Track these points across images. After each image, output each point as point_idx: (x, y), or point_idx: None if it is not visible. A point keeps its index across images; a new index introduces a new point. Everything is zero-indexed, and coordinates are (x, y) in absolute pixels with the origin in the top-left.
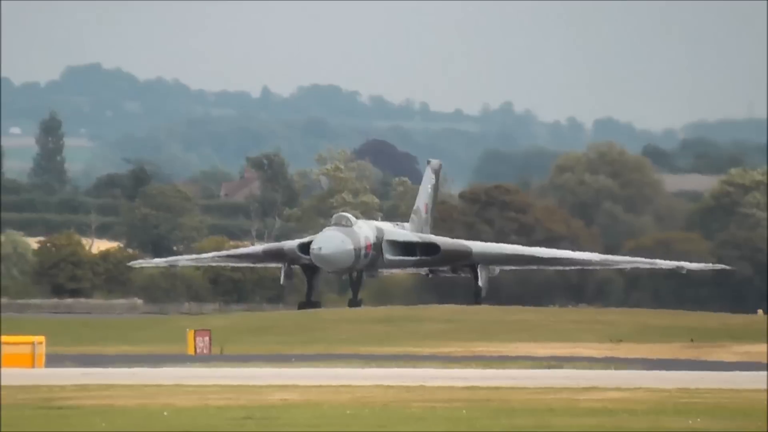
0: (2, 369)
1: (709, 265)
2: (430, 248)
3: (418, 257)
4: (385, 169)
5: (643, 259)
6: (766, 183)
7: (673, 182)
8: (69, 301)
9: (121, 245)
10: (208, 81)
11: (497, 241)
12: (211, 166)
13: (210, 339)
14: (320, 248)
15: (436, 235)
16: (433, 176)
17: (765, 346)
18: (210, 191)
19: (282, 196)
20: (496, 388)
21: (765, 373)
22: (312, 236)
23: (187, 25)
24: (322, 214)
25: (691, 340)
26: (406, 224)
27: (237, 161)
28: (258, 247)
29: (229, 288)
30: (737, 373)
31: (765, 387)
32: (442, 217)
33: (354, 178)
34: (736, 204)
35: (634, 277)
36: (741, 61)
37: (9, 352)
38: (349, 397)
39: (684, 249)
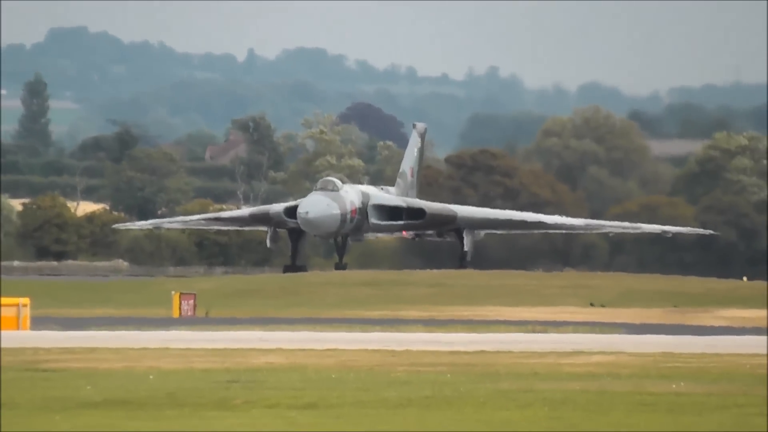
0: None
1: (694, 230)
2: (415, 212)
3: (403, 221)
4: (370, 132)
5: (627, 224)
6: (767, 149)
7: (659, 147)
8: (54, 263)
9: (107, 208)
10: (194, 44)
11: (482, 206)
12: (197, 129)
13: (195, 302)
14: (307, 212)
15: (422, 199)
16: (419, 140)
17: (748, 311)
18: (195, 154)
19: (268, 160)
20: (481, 353)
21: (749, 337)
22: (298, 200)
23: None
24: (308, 178)
25: (675, 306)
26: (391, 188)
27: (222, 124)
28: (244, 211)
29: (214, 251)
30: (720, 337)
31: (749, 352)
32: (427, 182)
33: (339, 142)
34: (721, 169)
35: (618, 242)
36: (727, 25)
37: None
38: (334, 361)
39: (669, 214)
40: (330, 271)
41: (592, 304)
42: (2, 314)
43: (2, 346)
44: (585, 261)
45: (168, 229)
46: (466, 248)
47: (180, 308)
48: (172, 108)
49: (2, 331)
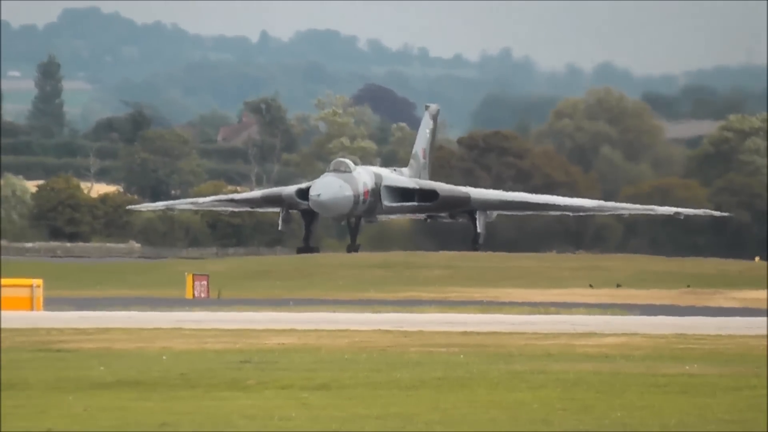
0: (1, 311)
1: (707, 212)
2: (428, 194)
3: (416, 203)
4: (383, 114)
5: (641, 206)
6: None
7: (672, 129)
8: (67, 244)
9: (120, 189)
10: (207, 26)
11: (495, 187)
12: (210, 110)
13: (208, 283)
14: (319, 194)
15: (435, 180)
16: (431, 121)
17: (762, 292)
18: (208, 135)
19: (281, 141)
20: (494, 334)
21: (762, 319)
22: (310, 182)
23: None
24: (321, 159)
25: (688, 286)
26: (404, 170)
27: (235, 106)
28: (256, 192)
29: (227, 232)
30: (734, 319)
31: (762, 333)
32: (440, 163)
33: (352, 124)
34: (734, 150)
35: (632, 224)
36: (740, 7)
37: (8, 294)
38: (347, 342)
39: (682, 196)
40: (343, 252)
41: (591, 286)
42: (16, 295)
43: (16, 326)
44: (598, 243)
45: (181, 210)
46: (479, 230)
47: (193, 289)
48: (185, 89)
49: (16, 312)
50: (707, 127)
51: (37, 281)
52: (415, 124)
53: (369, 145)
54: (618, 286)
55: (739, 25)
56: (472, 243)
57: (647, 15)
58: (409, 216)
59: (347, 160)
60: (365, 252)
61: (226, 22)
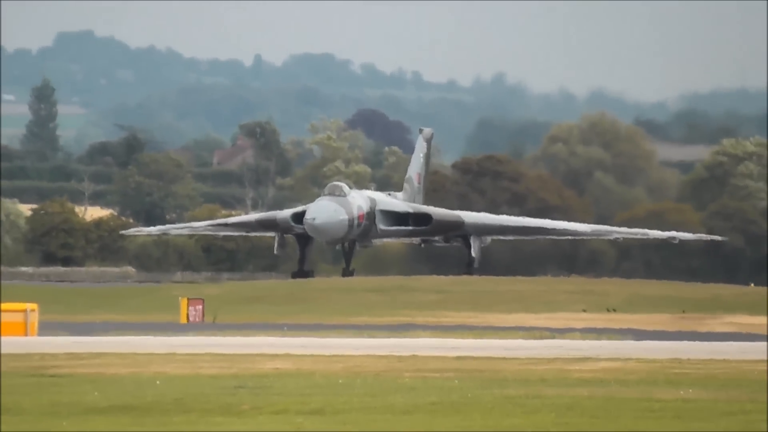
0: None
1: (701, 236)
2: (422, 218)
3: (410, 227)
4: (377, 138)
5: (634, 230)
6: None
7: (666, 153)
8: (61, 269)
9: (114, 213)
10: (201, 49)
11: (489, 211)
12: (204, 134)
13: (203, 308)
14: (314, 218)
15: (429, 204)
16: (425, 145)
17: (756, 318)
18: (203, 159)
19: (275, 165)
20: (488, 359)
21: (756, 343)
22: (305, 206)
23: None
24: (315, 183)
25: (683, 312)
26: (398, 194)
27: (229, 129)
28: (251, 216)
29: (222, 257)
30: (728, 343)
31: (757, 358)
32: (434, 187)
33: (346, 148)
34: (728, 175)
35: (625, 248)
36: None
37: (2, 319)
38: (342, 367)
39: (676, 220)
40: (337, 277)
41: (584, 311)
42: (10, 320)
43: (10, 351)
44: (592, 267)
45: (176, 234)
46: (473, 254)
47: (188, 314)
48: (180, 113)
49: (10, 337)
50: (701, 152)
51: (32, 306)
52: (409, 148)
53: (363, 169)
54: (609, 310)
55: (733, 49)
56: (467, 267)
57: (641, 40)
58: (403, 240)
59: (341, 184)
60: (360, 276)
61: (220, 45)
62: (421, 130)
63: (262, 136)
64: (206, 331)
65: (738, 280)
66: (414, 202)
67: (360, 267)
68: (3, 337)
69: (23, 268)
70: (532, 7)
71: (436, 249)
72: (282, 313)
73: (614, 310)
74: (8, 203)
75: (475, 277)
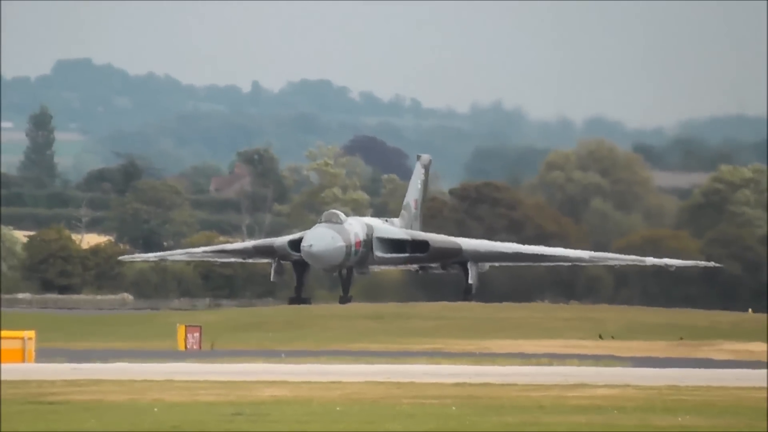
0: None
1: (697, 263)
2: (420, 245)
3: (408, 254)
4: (374, 165)
5: (632, 257)
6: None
7: (663, 179)
8: (58, 296)
9: (112, 240)
10: (199, 76)
11: (487, 238)
12: (202, 161)
13: (200, 334)
14: (311, 245)
15: (426, 231)
16: (423, 171)
17: (754, 344)
18: (200, 186)
19: (273, 192)
20: (486, 385)
21: (755, 371)
22: (302, 233)
23: (178, 20)
24: (312, 210)
25: (681, 339)
26: (395, 220)
27: (227, 156)
28: (248, 243)
29: (219, 283)
30: (726, 370)
31: (755, 385)
32: (431, 214)
33: (344, 175)
34: (725, 201)
35: (623, 275)
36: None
37: (1, 347)
38: (339, 394)
39: (673, 247)
40: (334, 303)
41: (600, 337)
42: (8, 347)
43: (8, 378)
44: (589, 294)
45: (173, 261)
46: (471, 281)
47: (185, 341)
48: (177, 140)
49: (7, 365)
50: (698, 179)
51: (29, 333)
52: (407, 174)
53: (361, 196)
54: (601, 337)
55: (731, 76)
56: (464, 294)
57: (638, 66)
58: (400, 267)
59: (338, 212)
60: (357, 303)
61: (218, 72)
62: (419, 157)
63: (260, 163)
64: (204, 358)
65: (735, 307)
66: (411, 228)
67: (357, 294)
68: (1, 365)
69: (21, 295)
70: (529, 34)
71: (433, 276)
72: (280, 340)
73: (612, 337)
74: (5, 230)
75: (472, 304)
